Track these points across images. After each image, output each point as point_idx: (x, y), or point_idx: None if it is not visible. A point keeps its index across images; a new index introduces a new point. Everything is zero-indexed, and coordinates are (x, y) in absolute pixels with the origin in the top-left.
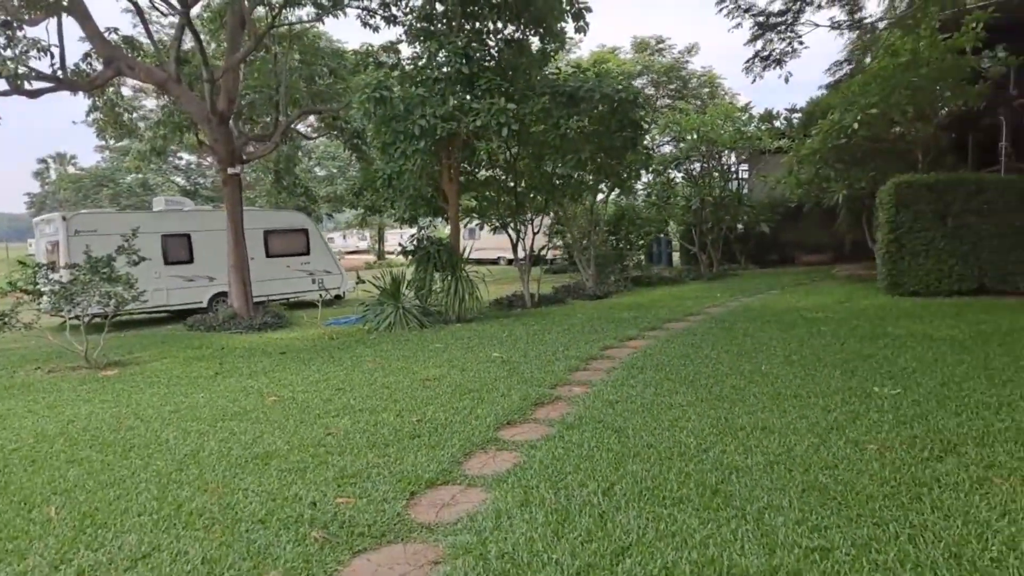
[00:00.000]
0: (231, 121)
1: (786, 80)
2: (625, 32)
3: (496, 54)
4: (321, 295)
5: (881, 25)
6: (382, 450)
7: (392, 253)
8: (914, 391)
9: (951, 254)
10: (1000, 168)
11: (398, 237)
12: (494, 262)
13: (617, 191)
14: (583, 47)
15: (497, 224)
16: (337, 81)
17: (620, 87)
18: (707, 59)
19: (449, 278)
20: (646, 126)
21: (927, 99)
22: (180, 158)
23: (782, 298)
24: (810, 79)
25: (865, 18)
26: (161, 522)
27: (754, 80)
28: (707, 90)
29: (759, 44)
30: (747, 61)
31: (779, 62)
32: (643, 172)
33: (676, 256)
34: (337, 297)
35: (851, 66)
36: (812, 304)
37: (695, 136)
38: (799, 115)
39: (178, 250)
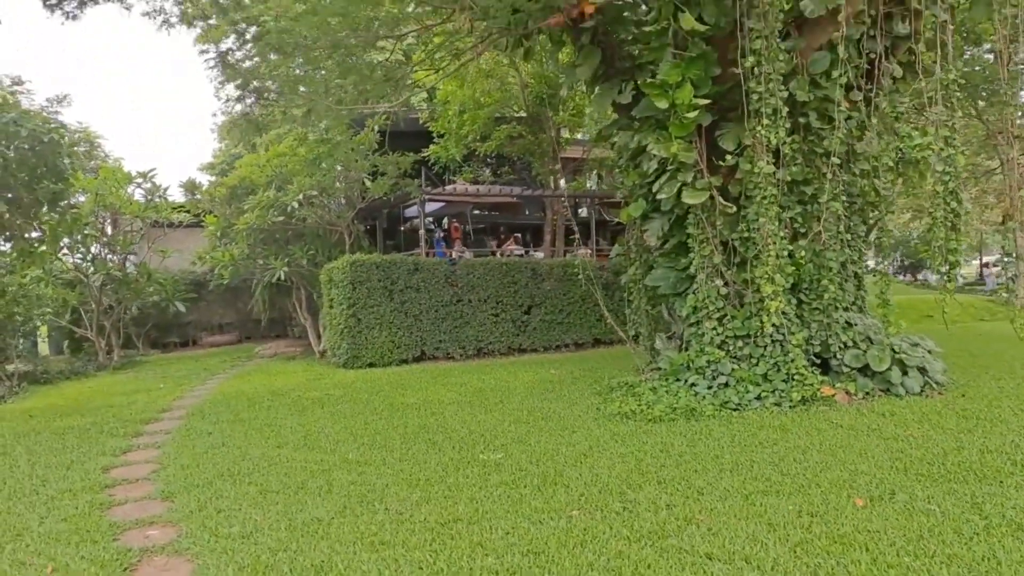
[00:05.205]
0: None
1: (254, 146)
2: None
3: None
4: None
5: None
6: None
7: None
8: (511, 452)
9: (399, 326)
10: (423, 251)
11: None
12: None
13: (22, 261)
14: None
15: None
16: None
17: (48, 127)
18: (83, 115)
19: None
20: (74, 181)
21: (341, 187)
22: None
23: (244, 383)
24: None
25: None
26: None
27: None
28: (84, 148)
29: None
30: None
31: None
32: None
33: (43, 344)
34: None
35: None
36: (288, 385)
37: (92, 199)
38: (222, 187)
39: None
